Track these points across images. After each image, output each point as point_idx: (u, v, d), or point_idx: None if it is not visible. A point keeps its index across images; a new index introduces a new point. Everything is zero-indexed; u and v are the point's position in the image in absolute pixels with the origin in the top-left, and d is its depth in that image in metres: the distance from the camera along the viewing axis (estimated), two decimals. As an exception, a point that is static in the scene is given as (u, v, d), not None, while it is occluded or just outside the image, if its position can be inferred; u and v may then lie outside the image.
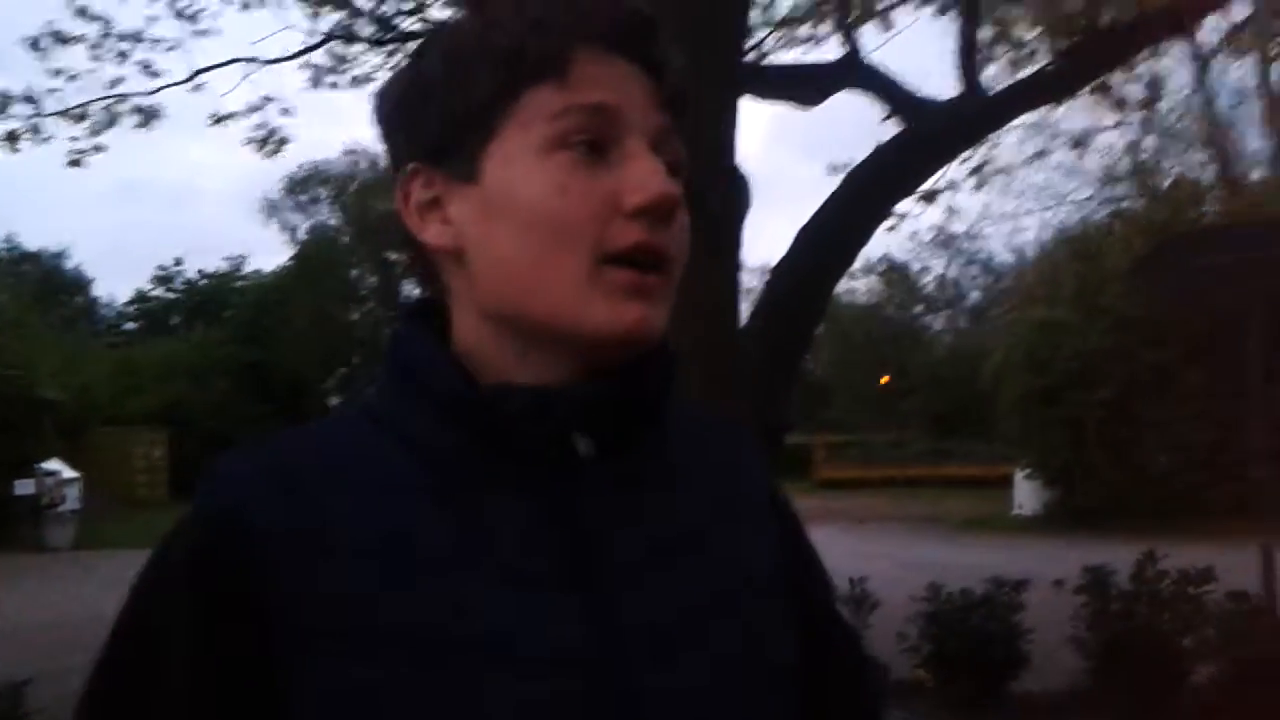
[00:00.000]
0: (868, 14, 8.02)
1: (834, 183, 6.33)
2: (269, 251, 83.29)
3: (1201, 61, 17.71)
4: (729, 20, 5.41)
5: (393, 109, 0.81)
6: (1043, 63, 7.51)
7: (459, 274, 0.78)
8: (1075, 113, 11.49)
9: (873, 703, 0.92)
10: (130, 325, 44.69)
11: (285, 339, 37.06)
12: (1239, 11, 9.22)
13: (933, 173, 7.42)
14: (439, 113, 0.77)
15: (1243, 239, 6.43)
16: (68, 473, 22.42)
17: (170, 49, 8.00)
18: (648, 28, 0.77)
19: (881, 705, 0.95)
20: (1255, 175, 21.80)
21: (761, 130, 62.83)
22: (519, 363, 0.76)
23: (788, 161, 56.82)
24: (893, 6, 8.06)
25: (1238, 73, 19.69)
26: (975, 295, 40.47)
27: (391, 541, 0.71)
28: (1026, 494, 20.48)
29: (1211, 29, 10.06)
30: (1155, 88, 9.44)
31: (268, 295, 40.45)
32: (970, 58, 6.60)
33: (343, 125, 55.29)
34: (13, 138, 7.64)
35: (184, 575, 0.71)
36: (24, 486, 20.64)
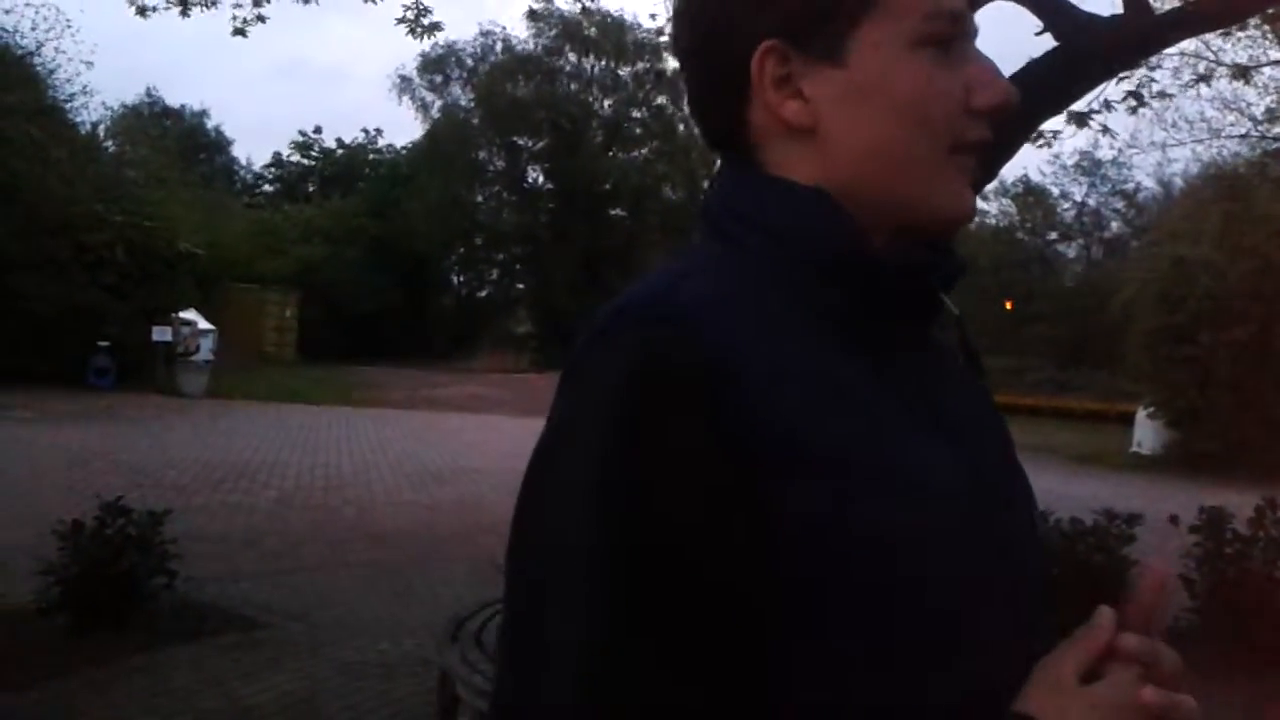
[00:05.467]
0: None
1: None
2: (403, 128, 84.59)
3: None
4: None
5: None
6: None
7: (802, 149, 0.82)
8: (1240, 44, 10.88)
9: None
10: (267, 188, 46.01)
11: (412, 215, 37.72)
12: None
13: (1086, 92, 7.11)
14: None
15: None
16: (203, 324, 23.40)
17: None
18: None
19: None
20: None
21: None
22: None
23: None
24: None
25: None
26: (1115, 226, 39.07)
27: (819, 376, 0.76)
28: (1147, 432, 19.99)
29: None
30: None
31: (399, 170, 41.12)
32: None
33: (477, 6, 55.24)
34: (185, 3, 7.85)
35: (675, 403, 0.71)
36: (161, 334, 21.59)
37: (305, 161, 45.53)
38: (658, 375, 0.72)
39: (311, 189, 43.61)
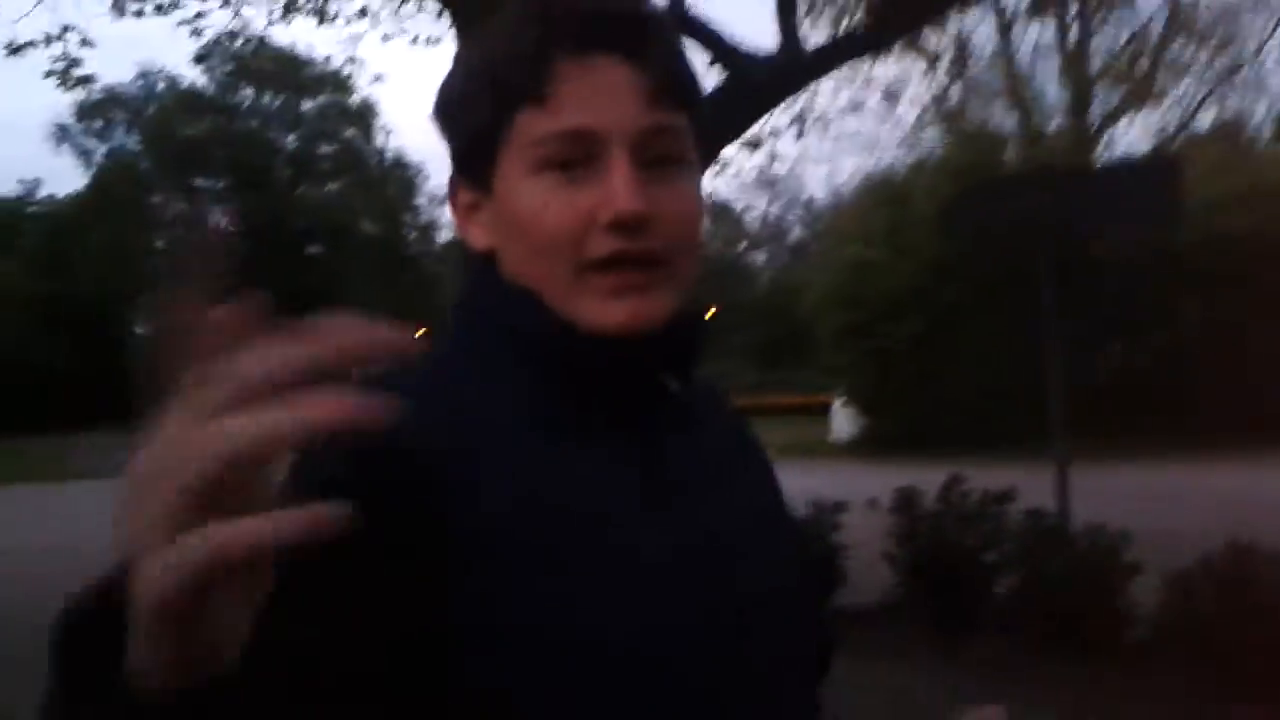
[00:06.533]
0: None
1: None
2: (64, 180, 78.24)
3: (1005, 19, 18.63)
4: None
5: (435, 121, 0.90)
6: (859, 18, 7.83)
7: (498, 265, 0.88)
8: (888, 64, 11.99)
9: (827, 609, 1.09)
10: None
11: (85, 269, 35.07)
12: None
13: (755, 120, 7.67)
14: (458, 132, 0.88)
15: (1037, 188, 6.93)
16: None
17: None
18: (625, 24, 0.84)
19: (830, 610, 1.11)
20: (1052, 126, 23.23)
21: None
22: None
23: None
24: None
25: (1037, 30, 20.86)
26: (797, 232, 41.81)
27: (522, 468, 0.79)
28: (843, 421, 21.54)
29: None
30: (963, 45, 9.96)
31: (65, 223, 38.11)
32: (790, 12, 6.84)
33: (139, 47, 51.97)
34: None
35: (351, 494, 0.70)
36: None
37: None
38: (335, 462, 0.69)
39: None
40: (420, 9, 8.76)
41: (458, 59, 0.90)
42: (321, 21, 8.89)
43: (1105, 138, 23.81)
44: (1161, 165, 10.21)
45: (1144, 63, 17.10)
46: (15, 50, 7.62)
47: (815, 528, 6.64)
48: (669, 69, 0.85)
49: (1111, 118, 23.24)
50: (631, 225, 0.80)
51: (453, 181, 0.90)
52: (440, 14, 7.99)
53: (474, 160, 0.86)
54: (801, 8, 7.64)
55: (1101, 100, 23.05)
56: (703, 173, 0.92)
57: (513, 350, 0.85)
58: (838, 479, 11.12)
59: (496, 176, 0.85)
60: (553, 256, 0.82)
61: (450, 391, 0.82)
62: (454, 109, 0.88)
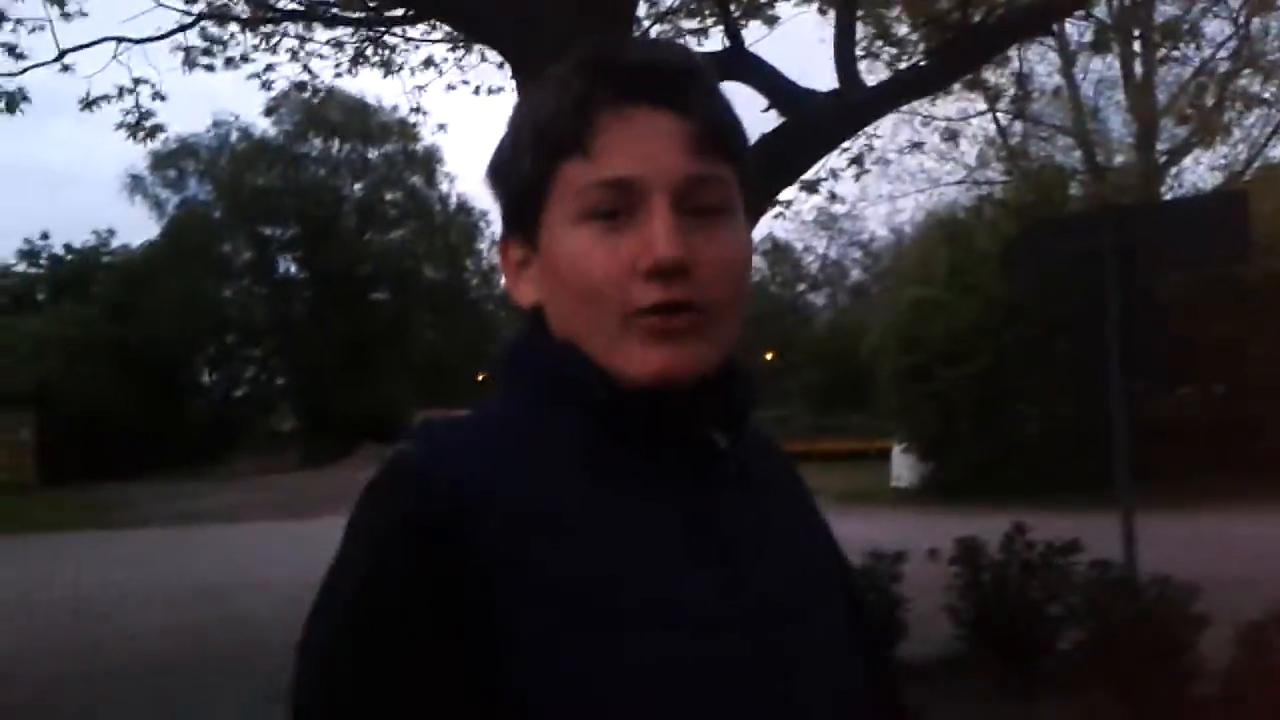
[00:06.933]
0: (752, 8, 8.14)
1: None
2: (137, 230, 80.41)
3: (1068, 53, 18.40)
4: (618, 9, 5.53)
5: (488, 182, 0.93)
6: (917, 58, 7.76)
7: (549, 316, 0.89)
8: (949, 101, 11.89)
9: (892, 668, 1.08)
10: (-8, 302, 42.59)
11: (155, 317, 35.82)
12: (1101, 10, 9.67)
13: (814, 162, 7.62)
14: (508, 187, 0.90)
15: (1102, 225, 6.77)
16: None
17: (36, 29, 7.67)
18: (668, 75, 0.85)
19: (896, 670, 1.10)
20: (1118, 161, 22.85)
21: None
22: None
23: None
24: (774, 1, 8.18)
25: (1101, 63, 20.59)
26: (856, 274, 41.58)
27: (567, 521, 0.80)
28: (903, 467, 21.16)
29: (1077, 19, 10.49)
30: (1024, 81, 9.84)
31: (137, 271, 39.04)
32: (849, 52, 6.79)
33: (212, 99, 53.40)
34: None
35: (417, 550, 0.78)
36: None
37: (32, 270, 42.53)
38: (393, 533, 0.79)
39: (41, 298, 40.77)
40: (483, 59, 8.94)
41: (509, 120, 0.92)
42: (387, 73, 9.09)
43: (1172, 173, 23.34)
44: (1229, 200, 9.93)
45: (1210, 96, 16.74)
46: (89, 104, 7.83)
47: (874, 578, 6.50)
48: (712, 119, 0.86)
49: (1178, 152, 22.77)
50: (670, 271, 0.81)
51: (503, 239, 0.92)
52: (501, 65, 8.13)
53: (522, 214, 0.89)
54: (860, 48, 7.59)
55: (1168, 135, 22.60)
56: (756, 221, 0.91)
57: (558, 404, 0.85)
58: (897, 527, 10.94)
59: (543, 228, 0.87)
60: (597, 306, 0.83)
61: (498, 444, 0.84)
62: (504, 166, 0.90)
